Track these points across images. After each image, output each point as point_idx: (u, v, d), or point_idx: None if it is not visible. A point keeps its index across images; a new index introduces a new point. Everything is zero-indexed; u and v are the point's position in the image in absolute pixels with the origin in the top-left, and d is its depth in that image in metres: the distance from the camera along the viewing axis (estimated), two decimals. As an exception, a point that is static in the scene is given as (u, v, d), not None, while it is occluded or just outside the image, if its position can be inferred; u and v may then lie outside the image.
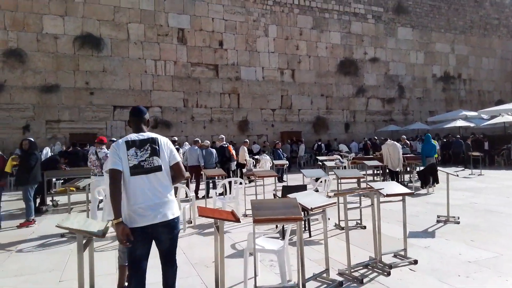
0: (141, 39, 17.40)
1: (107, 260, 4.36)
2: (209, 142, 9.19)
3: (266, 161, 11.52)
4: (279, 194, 6.53)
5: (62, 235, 5.53)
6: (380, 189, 3.53)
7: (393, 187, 3.64)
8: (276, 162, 10.39)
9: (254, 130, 19.33)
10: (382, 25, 22.98)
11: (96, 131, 16.49)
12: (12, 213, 7.64)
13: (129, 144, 2.60)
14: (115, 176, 2.49)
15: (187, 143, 15.16)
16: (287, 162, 11.31)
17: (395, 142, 9.57)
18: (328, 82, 21.05)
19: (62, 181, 8.97)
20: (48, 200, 8.22)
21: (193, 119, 18.38)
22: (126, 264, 3.11)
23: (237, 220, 2.85)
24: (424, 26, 24.45)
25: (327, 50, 21.11)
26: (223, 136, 9.95)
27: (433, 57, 24.59)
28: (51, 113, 15.84)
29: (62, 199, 8.91)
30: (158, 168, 2.60)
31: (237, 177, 9.14)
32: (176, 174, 2.72)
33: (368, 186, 3.97)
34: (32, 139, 6.64)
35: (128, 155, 2.56)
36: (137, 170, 2.54)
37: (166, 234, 2.58)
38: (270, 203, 3.04)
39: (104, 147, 6.25)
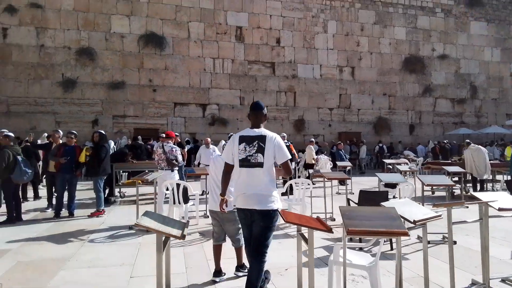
0: (201, 38, 17.67)
1: (175, 258, 4.25)
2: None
3: (325, 162, 11.00)
4: (342, 197, 6.27)
5: (130, 227, 5.58)
6: (492, 201, 2.97)
7: (506, 199, 3.06)
8: (340, 163, 9.83)
9: (310, 129, 18.78)
10: (452, 19, 21.15)
11: (158, 127, 17.08)
12: (83, 202, 7.99)
13: (241, 139, 2.99)
14: (227, 169, 3.07)
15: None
16: (351, 164, 10.71)
17: (480, 147, 8.50)
18: (391, 80, 19.83)
19: (126, 173, 9.25)
20: (116, 191, 8.50)
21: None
22: (241, 245, 3.64)
23: (329, 230, 2.50)
24: (502, 19, 22.10)
25: (391, 47, 19.89)
26: (285, 135, 9.63)
27: (511, 54, 22.16)
28: (117, 109, 16.67)
29: (128, 191, 9.21)
30: (260, 165, 2.90)
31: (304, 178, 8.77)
32: (283, 171, 3.03)
33: (468, 195, 3.39)
34: (102, 132, 6.84)
35: (239, 149, 2.96)
36: (244, 163, 2.94)
37: (258, 221, 2.90)
38: (363, 212, 2.64)
39: (170, 141, 6.24)
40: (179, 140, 10.17)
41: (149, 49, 16.96)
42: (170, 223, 2.51)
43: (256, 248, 2.91)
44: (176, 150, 6.14)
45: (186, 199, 5.56)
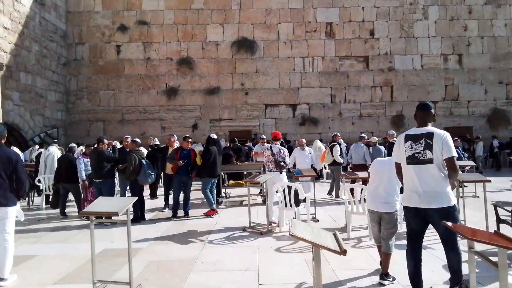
0: (290, 38, 17.62)
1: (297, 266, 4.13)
2: (376, 139, 8.35)
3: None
4: (479, 202, 5.46)
5: (243, 229, 5.69)
6: None
7: None
8: (459, 163, 8.74)
9: (411, 125, 17.17)
10: None
11: (250, 128, 17.56)
12: (193, 202, 8.49)
13: (407, 138, 3.08)
14: (397, 168, 3.25)
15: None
16: (473, 163, 9.47)
17: None
18: (508, 66, 17.16)
19: (226, 175, 9.59)
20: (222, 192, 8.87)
21: (340, 115, 17.66)
22: (390, 252, 3.57)
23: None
24: None
25: (507, 28, 17.21)
26: (393, 132, 8.92)
27: None
28: (213, 113, 17.58)
29: (232, 192, 9.56)
30: (430, 161, 2.91)
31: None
32: (448, 168, 2.91)
33: None
34: (213, 135, 7.12)
35: (405, 147, 3.06)
36: (411, 160, 3.01)
37: (437, 219, 2.86)
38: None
39: (278, 143, 6.21)
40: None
41: (241, 54, 17.50)
42: (320, 233, 2.37)
43: (447, 242, 2.93)
44: (284, 151, 6.09)
45: (297, 202, 5.44)
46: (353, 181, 6.54)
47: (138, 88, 17.42)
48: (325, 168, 12.32)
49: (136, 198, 4.01)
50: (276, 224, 5.82)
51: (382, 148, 8.28)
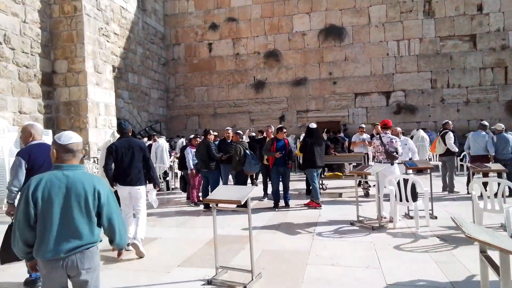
0: (383, 21, 16.45)
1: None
2: (503, 126, 7.23)
3: None
4: None
5: (351, 223, 5.43)
6: None
7: None
8: None
9: (531, 111, 14.85)
10: None
11: (339, 119, 16.97)
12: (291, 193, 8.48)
13: None
14: None
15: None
16: None
17: None
18: None
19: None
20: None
21: (443, 101, 15.99)
22: None
23: None
24: None
25: None
26: (503, 126, 7.65)
27: None
28: (300, 104, 17.39)
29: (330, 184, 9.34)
30: None
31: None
32: None
33: None
34: (312, 125, 6.94)
35: None
36: None
37: None
38: None
39: (389, 131, 5.76)
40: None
41: (328, 42, 16.94)
42: (503, 239, 2.03)
43: None
44: (396, 141, 5.62)
45: (414, 197, 4.97)
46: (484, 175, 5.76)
47: (228, 83, 18.08)
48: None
49: (255, 187, 4.05)
50: (388, 220, 5.41)
51: (510, 136, 7.13)
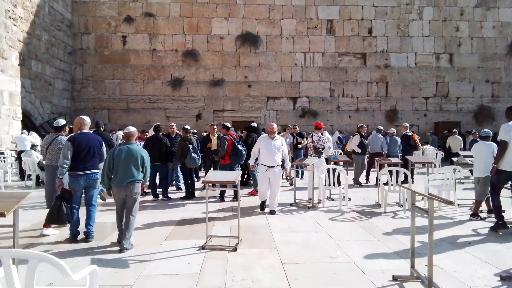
0: (292, 34, 18.31)
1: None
2: (394, 130, 9.17)
3: (433, 152, 10.89)
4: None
5: (291, 205, 6.40)
6: None
7: None
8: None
9: (404, 119, 18.35)
10: None
11: (253, 120, 18.12)
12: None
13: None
14: (504, 145, 4.55)
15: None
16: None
17: None
18: (495, 66, 18.55)
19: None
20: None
21: (338, 108, 18.58)
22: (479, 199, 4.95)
23: None
24: None
25: (495, 30, 18.55)
26: (407, 125, 9.76)
27: None
28: (217, 104, 18.10)
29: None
30: None
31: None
32: None
33: None
34: (253, 124, 7.72)
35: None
36: None
37: None
38: None
39: (319, 132, 6.93)
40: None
41: (245, 48, 18.05)
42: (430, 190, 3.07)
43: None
44: (323, 139, 6.83)
45: (339, 183, 6.24)
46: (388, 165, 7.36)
47: (143, 78, 17.70)
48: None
49: (242, 172, 4.69)
50: (316, 201, 6.56)
51: (398, 139, 9.13)
